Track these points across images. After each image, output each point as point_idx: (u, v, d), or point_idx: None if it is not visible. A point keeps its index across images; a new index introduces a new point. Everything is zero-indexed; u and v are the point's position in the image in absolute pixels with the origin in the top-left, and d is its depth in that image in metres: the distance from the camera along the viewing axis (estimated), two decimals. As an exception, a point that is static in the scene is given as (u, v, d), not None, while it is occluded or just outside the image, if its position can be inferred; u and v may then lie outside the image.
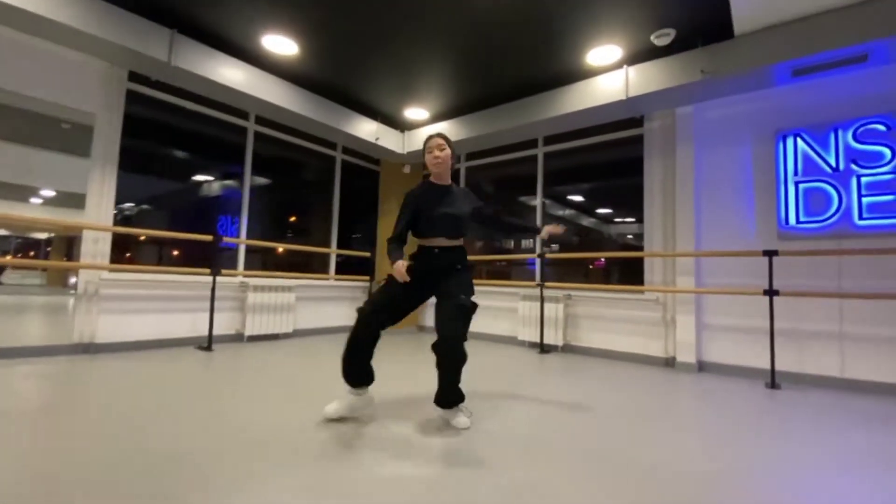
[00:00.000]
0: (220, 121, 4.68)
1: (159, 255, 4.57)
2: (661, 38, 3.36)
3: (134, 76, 3.96)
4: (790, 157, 3.71)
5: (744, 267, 3.80)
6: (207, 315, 4.12)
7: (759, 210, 3.81)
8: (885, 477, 1.73)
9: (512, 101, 4.64)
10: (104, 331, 3.71)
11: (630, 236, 4.79)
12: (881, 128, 3.38)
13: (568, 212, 5.28)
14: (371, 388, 2.29)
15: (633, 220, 4.77)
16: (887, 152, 3.35)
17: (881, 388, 3.23)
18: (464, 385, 2.21)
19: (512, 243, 5.71)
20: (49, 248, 4.42)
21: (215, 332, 4.31)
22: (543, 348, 4.57)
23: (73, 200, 4.02)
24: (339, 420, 2.18)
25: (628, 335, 4.31)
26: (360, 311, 2.13)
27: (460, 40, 3.56)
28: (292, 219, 5.65)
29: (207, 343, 4.01)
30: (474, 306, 2.13)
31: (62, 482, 1.43)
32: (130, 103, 4.00)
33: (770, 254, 3.45)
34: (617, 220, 4.89)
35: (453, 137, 5.14)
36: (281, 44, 3.80)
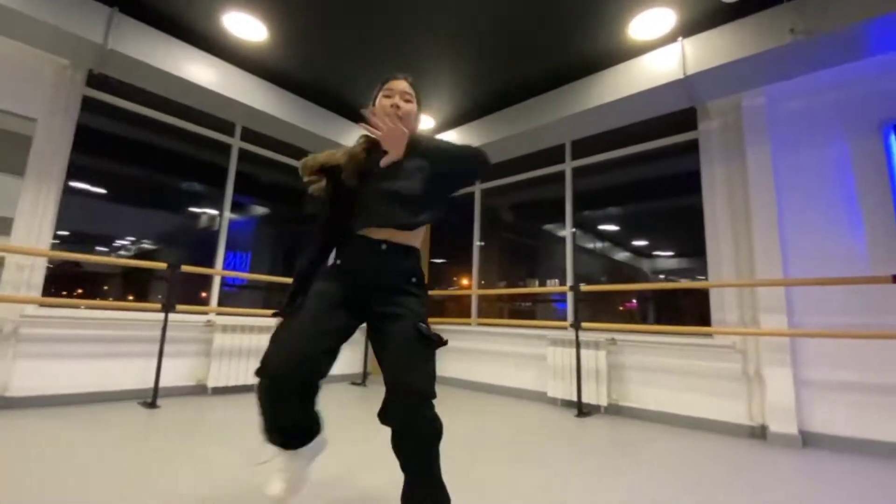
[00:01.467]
0: (206, 138, 4.10)
1: (116, 294, 3.85)
2: (732, -7, 2.57)
3: (93, 81, 3.41)
4: (908, 153, 2.79)
5: (857, 299, 2.80)
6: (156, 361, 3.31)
7: (871, 223, 2.84)
8: None
9: (533, 97, 3.86)
10: (22, 381, 2.94)
11: (662, 276, 3.87)
12: None
13: (599, 244, 4.39)
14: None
15: (671, 253, 3.87)
16: None
17: None
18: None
19: (536, 277, 4.80)
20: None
21: (171, 382, 3.49)
22: (582, 409, 3.53)
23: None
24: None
25: (697, 393, 3.26)
26: (259, 370, 1.19)
27: (470, 26, 2.88)
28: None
29: (152, 397, 3.17)
30: (441, 341, 1.24)
31: None
32: (101, 116, 3.46)
33: (904, 280, 2.46)
34: (654, 253, 3.97)
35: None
36: (247, 24, 3.19)
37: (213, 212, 4.20)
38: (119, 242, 3.76)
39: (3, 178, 3.24)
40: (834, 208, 2.97)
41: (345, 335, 1.31)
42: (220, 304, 4.06)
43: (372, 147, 1.40)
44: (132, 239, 3.83)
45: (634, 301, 4.09)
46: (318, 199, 1.43)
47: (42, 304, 3.08)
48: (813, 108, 3.11)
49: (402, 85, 1.43)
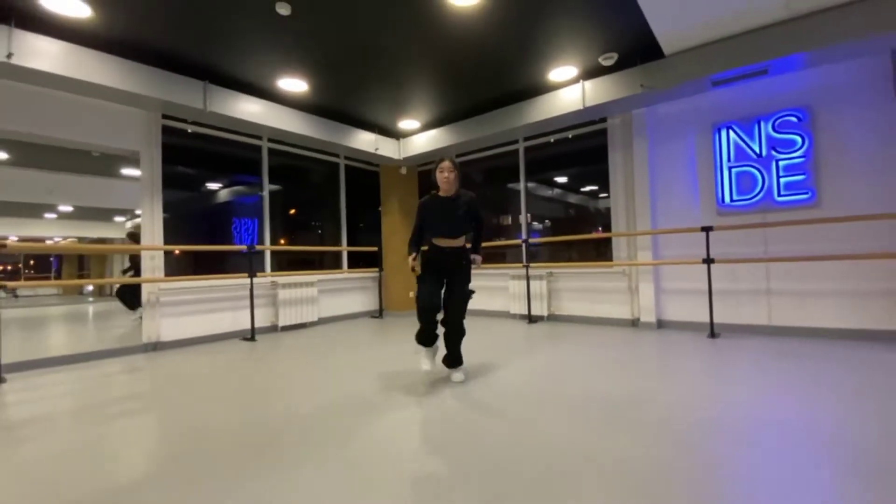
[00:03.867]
0: (237, 141, 5.38)
1: (196, 262, 5.32)
2: (607, 60, 4.06)
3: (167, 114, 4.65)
4: (724, 145, 4.45)
5: (691, 240, 4.59)
6: (247, 312, 4.90)
7: (703, 191, 4.57)
8: (792, 396, 2.47)
9: (491, 110, 5.34)
10: (167, 331, 4.50)
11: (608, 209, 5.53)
12: (794, 119, 4.11)
13: (556, 191, 6.00)
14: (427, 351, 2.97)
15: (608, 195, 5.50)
16: (799, 139, 4.09)
17: (800, 331, 4.06)
18: (469, 351, 3.01)
19: (509, 219, 6.46)
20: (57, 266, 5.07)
21: (257, 324, 5.12)
22: (531, 319, 5.39)
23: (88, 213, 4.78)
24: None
25: (601, 303, 5.13)
26: (417, 302, 2.80)
27: (445, 62, 4.21)
28: (292, 212, 6.22)
29: (251, 334, 4.82)
30: (472, 293, 2.94)
31: (198, 441, 2.24)
32: (166, 134, 4.70)
33: (707, 229, 4.23)
34: (601, 195, 5.58)
35: (441, 143, 5.86)
36: (294, 84, 4.51)
37: (216, 186, 5.39)
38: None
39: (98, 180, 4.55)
40: (683, 181, 4.67)
41: (441, 287, 2.93)
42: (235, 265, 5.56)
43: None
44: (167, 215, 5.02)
45: (600, 228, 5.70)
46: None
47: (167, 281, 4.57)
48: (675, 114, 4.70)
49: (448, 165, 2.83)
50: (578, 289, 5.33)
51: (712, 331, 4.19)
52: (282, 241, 6.04)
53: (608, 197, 5.24)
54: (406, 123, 5.79)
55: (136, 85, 3.93)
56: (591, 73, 4.44)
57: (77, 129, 4.04)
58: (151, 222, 4.50)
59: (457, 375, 2.94)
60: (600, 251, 5.42)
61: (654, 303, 4.74)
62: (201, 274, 4.98)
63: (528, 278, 5.43)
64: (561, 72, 4.39)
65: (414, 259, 2.92)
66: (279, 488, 1.60)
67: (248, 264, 4.89)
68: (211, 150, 5.25)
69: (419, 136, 6.16)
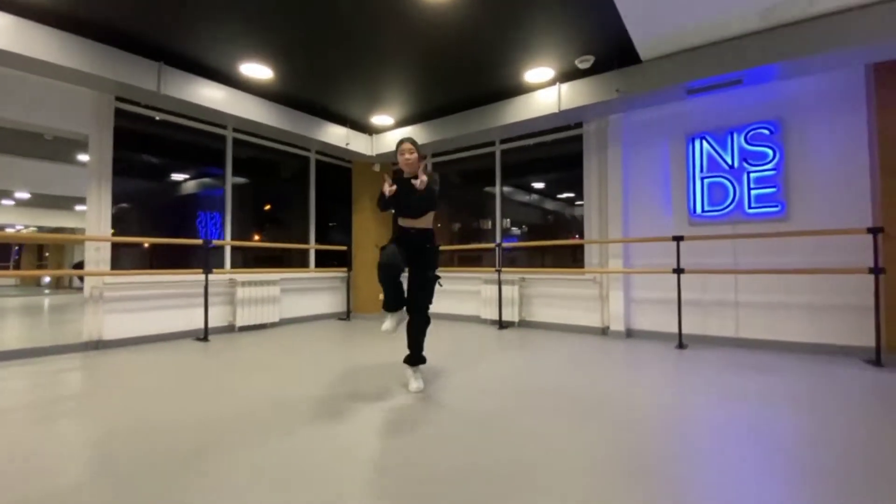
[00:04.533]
0: (201, 130, 5.10)
1: (150, 257, 5.02)
2: (584, 63, 3.98)
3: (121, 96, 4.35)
4: (698, 156, 4.43)
5: (662, 249, 4.54)
6: (202, 310, 4.62)
7: (675, 201, 4.53)
8: (753, 406, 2.43)
9: (467, 109, 5.20)
10: (110, 329, 4.19)
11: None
12: (766, 132, 4.11)
13: (533, 197, 5.91)
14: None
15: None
16: (770, 152, 4.09)
17: (766, 344, 4.04)
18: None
19: (490, 223, 6.34)
20: (18, 255, 4.75)
21: (210, 324, 4.83)
22: (502, 324, 5.27)
23: (47, 201, 4.46)
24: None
25: (571, 310, 5.05)
26: (379, 260, 2.64)
27: (419, 57, 4.06)
28: (267, 207, 6.01)
29: (204, 334, 4.54)
30: (438, 279, 2.80)
31: (107, 454, 2.01)
32: (118, 118, 4.40)
33: (678, 239, 4.18)
34: (578, 202, 5.52)
35: (417, 140, 5.69)
36: (257, 70, 4.26)
37: (188, 178, 5.19)
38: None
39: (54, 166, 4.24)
40: (656, 190, 4.63)
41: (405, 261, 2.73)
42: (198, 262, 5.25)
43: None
44: (125, 204, 4.70)
45: (577, 236, 5.64)
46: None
47: (112, 275, 4.26)
48: (650, 122, 4.66)
49: (407, 146, 2.76)
50: (550, 295, 5.23)
51: (680, 341, 4.14)
52: (256, 238, 5.76)
53: (583, 204, 5.18)
54: (379, 119, 5.60)
55: (85, 63, 3.63)
56: (568, 75, 4.36)
57: (20, 109, 3.73)
58: (98, 210, 4.19)
59: (414, 383, 2.75)
60: (575, 258, 5.34)
61: (624, 311, 4.67)
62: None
63: (500, 283, 5.31)
64: (537, 73, 4.29)
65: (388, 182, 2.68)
66: (208, 497, 1.41)
67: (204, 259, 4.61)
68: (174, 138, 4.98)
69: (393, 133, 5.98)
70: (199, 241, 4.56)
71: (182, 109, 4.53)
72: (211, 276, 4.73)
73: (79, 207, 13.21)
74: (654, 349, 4.05)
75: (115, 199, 4.38)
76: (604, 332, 4.83)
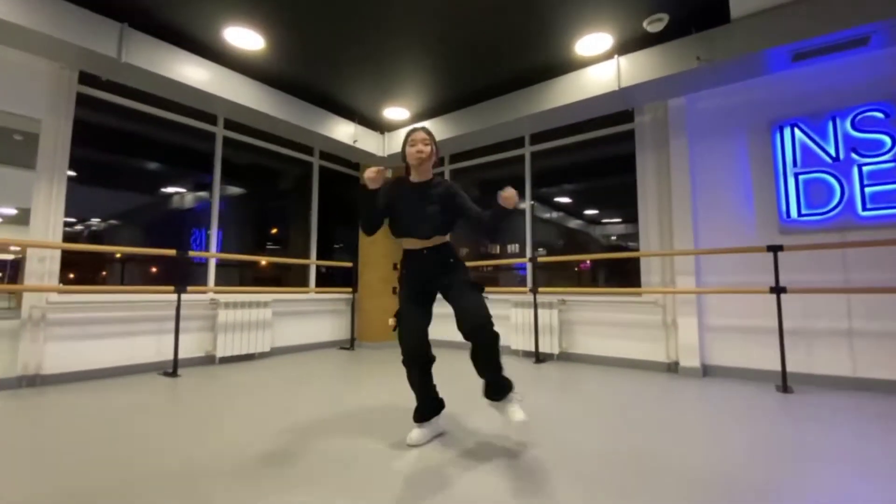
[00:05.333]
0: (187, 126, 4.34)
1: (129, 274, 4.18)
2: (654, 24, 3.17)
3: (85, 78, 3.61)
4: (788, 147, 3.56)
5: (745, 264, 3.63)
6: (173, 337, 3.75)
7: (759, 204, 3.64)
8: None
9: (497, 96, 4.41)
10: (53, 361, 3.32)
11: (614, 237, 4.61)
12: (880, 115, 3.25)
13: (555, 214, 5.08)
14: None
15: (619, 220, 4.59)
16: (888, 140, 3.22)
17: (894, 385, 3.07)
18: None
19: (497, 247, 5.48)
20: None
21: (183, 354, 3.95)
22: (539, 357, 4.31)
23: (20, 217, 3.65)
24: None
25: (627, 340, 4.09)
26: (403, 351, 2.04)
27: (441, 32, 3.33)
28: (274, 231, 5.32)
29: (173, 368, 3.64)
30: (482, 286, 2.03)
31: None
32: (85, 108, 3.66)
33: (775, 249, 3.27)
34: (604, 220, 4.69)
35: (437, 137, 4.89)
36: (245, 38, 3.48)
37: (181, 190, 4.38)
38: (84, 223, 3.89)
39: (11, 172, 3.44)
40: (734, 191, 3.75)
41: (430, 315, 2.11)
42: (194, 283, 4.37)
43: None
44: (98, 219, 3.94)
45: (588, 262, 4.83)
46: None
47: (62, 292, 3.42)
48: (721, 109, 3.83)
49: (421, 135, 2.05)
50: (598, 322, 4.28)
51: (784, 383, 3.16)
52: (261, 258, 4.90)
53: (621, 222, 4.33)
54: (392, 112, 4.82)
55: (21, 15, 2.87)
56: (630, 44, 3.54)
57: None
58: (47, 215, 3.39)
59: (515, 411, 1.90)
60: (619, 279, 4.41)
61: (699, 342, 3.71)
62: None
63: (535, 306, 4.38)
64: (591, 41, 3.47)
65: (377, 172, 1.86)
66: None
67: (177, 274, 3.75)
68: (163, 139, 4.24)
69: (408, 129, 5.17)
70: (172, 252, 3.72)
71: (155, 87, 3.72)
72: (186, 297, 3.88)
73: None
74: (747, 393, 3.08)
75: (96, 214, 3.62)
76: (671, 368, 3.86)
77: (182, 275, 3.74)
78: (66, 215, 3.52)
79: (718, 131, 3.85)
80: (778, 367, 3.38)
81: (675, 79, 3.45)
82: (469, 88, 4.26)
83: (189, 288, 3.79)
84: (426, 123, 5.02)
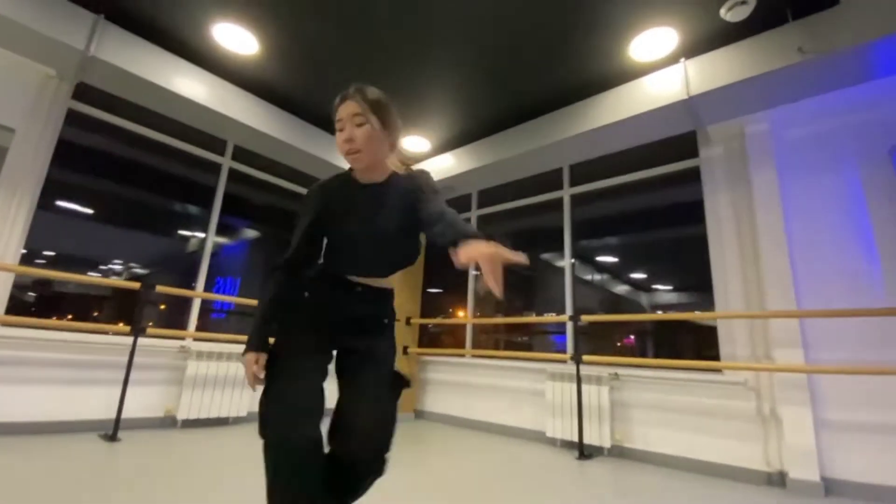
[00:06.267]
0: (197, 158, 4.00)
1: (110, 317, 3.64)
2: (736, 11, 2.49)
3: (81, 95, 3.30)
4: (921, 179, 2.68)
5: (874, 332, 2.61)
6: (134, 388, 3.03)
7: (886, 251, 2.70)
8: None
9: (532, 118, 3.79)
10: (-31, 408, 2.67)
11: (660, 312, 3.71)
12: None
13: (597, 277, 4.24)
14: None
15: (671, 287, 3.72)
16: None
17: None
18: None
19: (532, 310, 4.62)
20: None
21: (135, 413, 3.20)
22: (583, 451, 3.25)
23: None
24: None
25: (706, 435, 3.01)
26: (267, 430, 1.10)
27: (469, 47, 2.82)
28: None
29: (113, 430, 2.89)
30: (404, 385, 1.28)
31: None
32: (94, 133, 3.39)
33: (931, 312, 2.29)
34: (655, 286, 3.81)
35: (462, 168, 4.28)
36: (236, 37, 3.09)
37: (202, 234, 4.04)
38: (105, 266, 3.62)
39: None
40: (845, 236, 2.84)
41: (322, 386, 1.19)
42: (199, 329, 3.82)
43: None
44: (119, 262, 3.70)
45: (632, 337, 3.89)
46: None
47: (5, 324, 2.84)
48: (820, 134, 3.03)
49: (350, 109, 1.18)
50: (664, 406, 3.23)
51: (975, 522, 2.02)
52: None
53: (672, 290, 3.51)
54: (412, 143, 4.29)
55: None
56: (701, 42, 2.85)
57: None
58: (3, 230, 2.91)
59: None
60: (688, 351, 3.42)
61: (815, 444, 2.61)
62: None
63: (579, 380, 3.40)
64: (650, 40, 2.82)
65: (257, 362, 1.15)
66: None
67: (133, 313, 3.10)
68: (181, 174, 3.99)
69: (430, 163, 4.62)
70: (136, 285, 3.12)
71: (142, 97, 3.37)
72: (145, 341, 3.21)
73: None
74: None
75: (140, 260, 3.67)
76: (773, 480, 2.72)
77: (139, 314, 3.09)
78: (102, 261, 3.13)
79: (817, 163, 3.02)
80: (950, 492, 2.24)
81: (766, 80, 2.68)
82: (501, 112, 3.69)
83: (149, 330, 3.13)
84: (449, 155, 4.44)
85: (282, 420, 1.08)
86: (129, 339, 3.06)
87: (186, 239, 4.06)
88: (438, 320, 5.22)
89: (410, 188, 1.22)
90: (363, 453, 1.17)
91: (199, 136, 3.96)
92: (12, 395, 2.82)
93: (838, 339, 2.73)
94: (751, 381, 2.92)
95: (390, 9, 2.63)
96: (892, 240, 2.69)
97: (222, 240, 4.15)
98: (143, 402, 3.28)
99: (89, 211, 3.54)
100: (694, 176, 3.54)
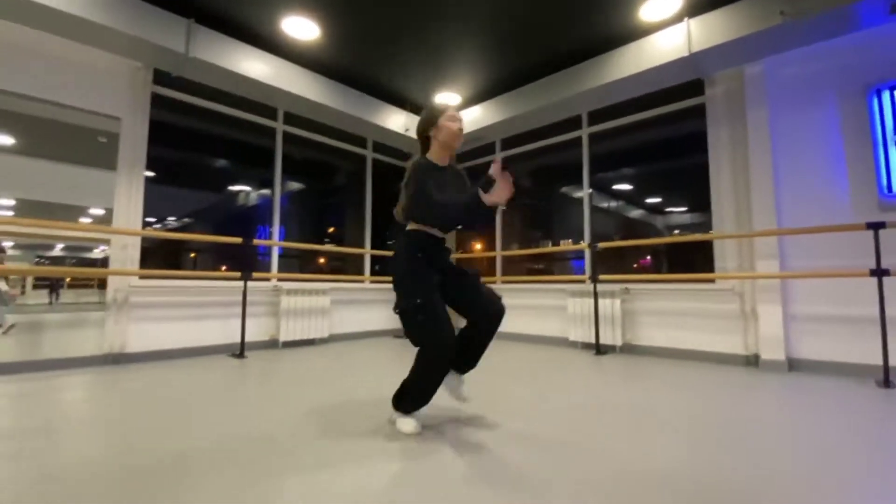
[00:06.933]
0: (250, 123, 4.55)
1: (201, 266, 4.48)
2: (731, -21, 2.88)
3: (159, 78, 3.85)
4: (888, 113, 3.15)
5: (838, 245, 3.24)
6: (240, 321, 3.92)
7: (855, 178, 3.24)
8: None
9: (553, 73, 4.22)
10: (135, 340, 3.57)
11: (677, 231, 4.29)
12: None
13: (614, 203, 4.82)
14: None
15: (684, 209, 4.27)
16: None
17: None
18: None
19: (550, 239, 5.29)
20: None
21: (249, 338, 4.11)
22: (599, 349, 4.10)
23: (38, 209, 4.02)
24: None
25: (699, 331, 3.79)
26: (437, 339, 1.75)
27: (494, 10, 3.23)
28: (331, 230, 5.59)
29: (240, 350, 3.81)
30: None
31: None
32: (159, 108, 3.90)
33: (875, 226, 2.89)
34: (668, 209, 4.38)
35: (489, 121, 4.78)
36: (302, 27, 3.56)
37: (246, 188, 4.67)
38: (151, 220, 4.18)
39: (97, 174, 3.76)
40: (823, 164, 3.37)
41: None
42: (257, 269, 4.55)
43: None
44: (173, 218, 4.35)
45: (648, 258, 4.55)
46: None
47: (142, 276, 3.67)
48: (806, 74, 3.45)
49: (458, 113, 2.01)
50: (665, 311, 4.00)
51: (886, 377, 2.79)
52: (318, 247, 5.10)
53: (686, 211, 4.05)
54: (444, 97, 4.78)
55: (97, 13, 3.07)
56: (702, 3, 3.25)
57: (39, 83, 3.28)
58: (128, 206, 3.65)
59: (464, 390, 2.02)
60: (692, 270, 4.08)
61: (783, 333, 3.36)
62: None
63: (595, 295, 4.17)
64: (658, 3, 3.23)
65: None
66: None
67: (243, 262, 3.92)
68: (227, 136, 4.51)
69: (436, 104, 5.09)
70: (238, 240, 3.89)
71: (219, 81, 3.89)
72: (251, 284, 4.04)
73: (83, 220, 13.21)
74: (843, 389, 2.74)
75: (176, 213, 4.08)
76: (750, 361, 3.53)
77: (248, 263, 3.91)
78: (146, 216, 3.78)
79: (803, 99, 3.47)
80: (877, 360, 2.99)
81: (755, 39, 3.11)
82: (524, 67, 4.12)
83: (254, 275, 3.95)
84: (478, 108, 4.92)
85: (445, 339, 1.74)
86: (238, 283, 3.89)
87: (235, 194, 4.71)
88: (475, 254, 5.98)
89: (459, 172, 2.07)
90: (498, 312, 1.90)
91: (258, 107, 4.51)
92: (161, 330, 3.71)
93: (810, 250, 3.37)
94: (737, 288, 3.63)
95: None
96: (860, 167, 3.22)
97: (266, 191, 4.69)
98: (253, 330, 4.17)
99: (151, 173, 3.98)
100: (699, 112, 3.99)
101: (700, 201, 4.04)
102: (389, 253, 5.52)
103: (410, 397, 1.88)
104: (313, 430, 1.88)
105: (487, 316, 1.89)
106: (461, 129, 1.95)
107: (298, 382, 2.86)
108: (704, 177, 3.92)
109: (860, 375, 3.05)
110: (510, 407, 2.27)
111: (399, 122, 5.00)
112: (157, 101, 3.90)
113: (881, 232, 2.92)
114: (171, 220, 4.30)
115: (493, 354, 4.01)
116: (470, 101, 4.90)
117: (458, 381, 2.00)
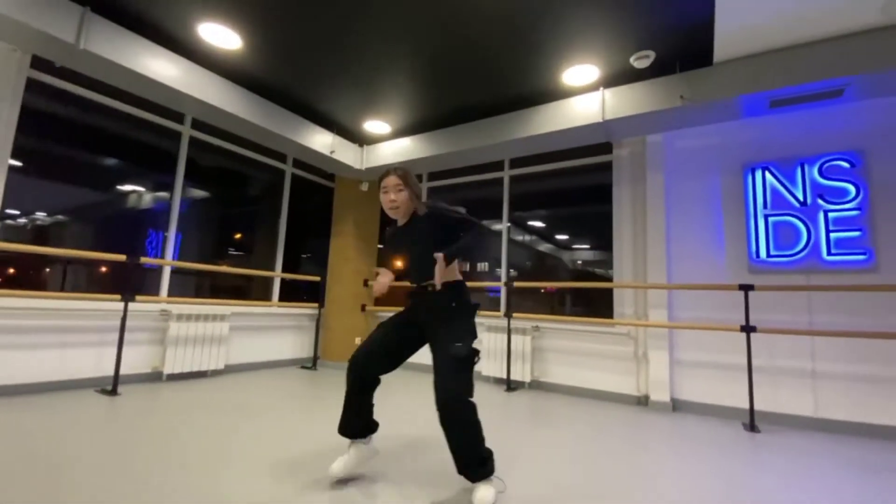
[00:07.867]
0: (150, 123, 4.06)
1: (73, 275, 3.80)
2: (641, 61, 3.21)
3: (38, 63, 3.30)
4: (759, 189, 3.68)
5: (716, 301, 3.69)
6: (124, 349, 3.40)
7: (730, 242, 3.72)
8: None
9: (482, 118, 4.36)
10: (-29, 372, 2.94)
11: (580, 262, 4.64)
12: (845, 164, 3.41)
13: (528, 237, 5.06)
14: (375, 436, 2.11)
15: (588, 246, 4.62)
16: (852, 189, 3.37)
17: (852, 427, 3.14)
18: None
19: (467, 266, 5.39)
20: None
21: (127, 370, 3.60)
22: (510, 385, 4.20)
23: None
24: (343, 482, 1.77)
25: (599, 371, 4.05)
26: (352, 357, 1.88)
27: (429, 51, 3.25)
28: (238, 236, 5.01)
29: (112, 385, 3.30)
30: (472, 353, 1.74)
31: None
32: (36, 95, 3.35)
33: (746, 288, 3.33)
34: (575, 246, 4.71)
35: (416, 155, 4.78)
36: (220, 35, 3.25)
37: (139, 189, 4.07)
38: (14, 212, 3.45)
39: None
40: (707, 228, 3.83)
41: (407, 352, 1.95)
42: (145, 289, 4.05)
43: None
44: (44, 214, 3.57)
45: (554, 287, 4.81)
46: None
47: (-9, 295, 3.05)
48: (697, 148, 3.93)
49: (393, 181, 1.91)
50: (570, 351, 4.23)
51: (752, 422, 3.18)
52: (221, 268, 4.51)
53: (589, 248, 4.41)
54: (373, 125, 4.69)
55: None
56: (616, 77, 3.57)
57: None
58: (-21, 206, 3.03)
59: (483, 495, 1.65)
60: (590, 304, 4.39)
61: (669, 377, 3.71)
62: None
63: (509, 332, 4.29)
64: (579, 72, 3.49)
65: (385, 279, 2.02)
66: None
67: (125, 281, 3.43)
68: (125, 136, 3.95)
69: (388, 145, 5.05)
70: (122, 258, 3.40)
71: (116, 78, 3.39)
72: (133, 306, 3.55)
73: None
74: (716, 430, 3.08)
75: (48, 209, 3.37)
76: (641, 401, 3.83)
77: (130, 282, 3.42)
78: (5, 206, 3.18)
79: (694, 170, 3.94)
80: (745, 405, 3.42)
81: (658, 115, 3.50)
82: (454, 109, 4.20)
83: (138, 297, 3.47)
84: (406, 140, 4.90)
85: (355, 355, 1.85)
86: (114, 305, 3.39)
87: (125, 194, 4.04)
88: (396, 283, 5.84)
89: (432, 218, 1.90)
90: (442, 396, 1.63)
91: (162, 109, 4.06)
92: (10, 360, 3.10)
93: (694, 303, 3.78)
94: (632, 333, 3.95)
95: (362, 21, 2.97)
96: (736, 233, 3.70)
97: (163, 195, 4.21)
98: (132, 360, 3.65)
99: (18, 163, 3.38)
100: (607, 168, 4.36)
101: (602, 242, 4.42)
102: (305, 277, 5.21)
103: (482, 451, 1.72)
104: (179, 493, 1.64)
105: (436, 402, 1.68)
106: (392, 202, 1.91)
107: (172, 426, 2.52)
108: (607, 222, 4.29)
109: (731, 417, 3.46)
110: (427, 441, 2.20)
111: (325, 142, 4.80)
112: (37, 88, 3.34)
113: (750, 294, 3.37)
114: (42, 216, 3.59)
115: (405, 390, 3.92)
116: (399, 133, 4.86)
117: (354, 452, 1.91)
